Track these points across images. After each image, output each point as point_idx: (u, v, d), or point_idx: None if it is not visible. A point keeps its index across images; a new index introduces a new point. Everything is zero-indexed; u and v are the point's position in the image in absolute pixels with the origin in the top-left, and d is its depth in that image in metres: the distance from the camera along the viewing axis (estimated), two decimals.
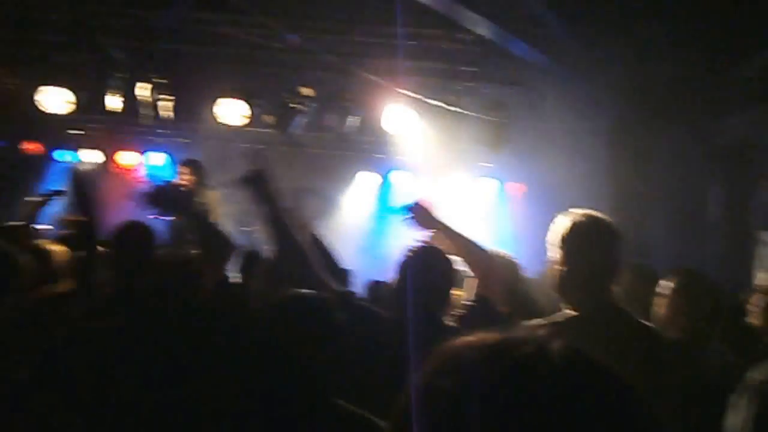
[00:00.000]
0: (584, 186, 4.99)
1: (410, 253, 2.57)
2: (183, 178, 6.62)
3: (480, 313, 2.57)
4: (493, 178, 8.62)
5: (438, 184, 8.76)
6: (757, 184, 5.69)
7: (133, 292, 2.68)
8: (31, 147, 8.14)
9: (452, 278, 2.56)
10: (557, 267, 2.13)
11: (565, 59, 5.68)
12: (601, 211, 2.21)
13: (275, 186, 2.76)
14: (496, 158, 7.68)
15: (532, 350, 0.62)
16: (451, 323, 2.48)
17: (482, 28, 5.63)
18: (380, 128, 7.17)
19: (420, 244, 2.66)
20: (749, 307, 2.51)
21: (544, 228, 2.24)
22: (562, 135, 5.93)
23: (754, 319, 2.45)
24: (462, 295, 2.81)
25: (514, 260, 3.12)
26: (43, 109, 6.44)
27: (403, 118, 6.94)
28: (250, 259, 4.59)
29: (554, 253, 2.15)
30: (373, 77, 6.82)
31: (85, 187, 2.70)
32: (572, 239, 2.12)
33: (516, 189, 8.46)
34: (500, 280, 2.82)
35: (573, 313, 2.10)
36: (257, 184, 2.74)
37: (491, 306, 2.60)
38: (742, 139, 5.80)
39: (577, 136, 5.78)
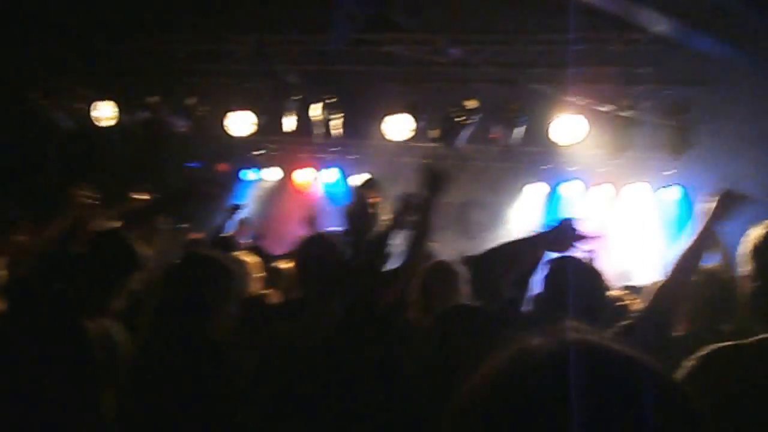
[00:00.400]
0: None
1: (555, 266, 2.51)
2: (367, 198, 6.88)
3: (646, 325, 2.35)
4: (675, 186, 7.96)
5: (614, 195, 8.26)
6: None
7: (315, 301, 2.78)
8: (221, 167, 8.94)
9: (601, 288, 2.49)
10: (749, 282, 1.89)
11: (761, 51, 5.05)
12: None
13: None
14: (679, 165, 7.04)
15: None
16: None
17: (659, 25, 5.19)
18: (548, 138, 6.90)
19: (563, 255, 2.56)
20: None
21: (736, 240, 2.01)
22: (760, 136, 5.26)
23: None
24: (635, 303, 2.64)
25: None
26: (230, 133, 7.04)
27: (572, 126, 6.62)
28: None
29: (746, 267, 1.91)
30: (539, 86, 6.59)
31: (362, 205, 2.96)
32: (765, 251, 1.86)
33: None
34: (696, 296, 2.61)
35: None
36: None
37: (659, 318, 2.36)
38: None
39: None
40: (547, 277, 2.52)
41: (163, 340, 2.31)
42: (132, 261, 2.40)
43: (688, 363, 1.76)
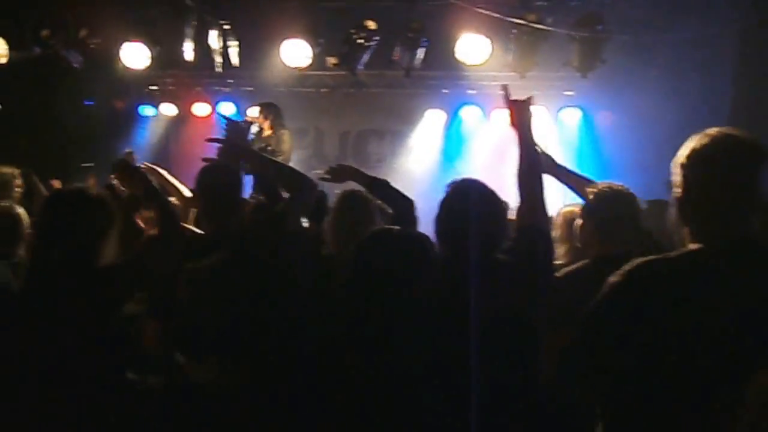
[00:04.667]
0: (703, 106, 4.39)
1: (450, 189, 2.43)
2: (257, 119, 6.55)
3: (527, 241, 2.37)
4: (577, 107, 8.03)
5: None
6: None
7: (224, 235, 2.77)
8: (116, 104, 8.30)
9: (498, 210, 2.40)
10: (680, 194, 1.80)
11: None
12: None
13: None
14: (583, 85, 7.06)
15: None
16: (502, 256, 2.34)
17: None
18: (450, 60, 6.65)
19: (461, 178, 2.48)
20: None
21: (642, 159, 2.01)
22: (673, 47, 5.24)
23: None
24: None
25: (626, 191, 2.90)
26: (125, 66, 6.49)
27: (476, 45, 6.33)
28: (320, 203, 4.53)
29: (677, 178, 1.80)
30: (441, 2, 6.23)
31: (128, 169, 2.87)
32: (699, 161, 1.75)
33: (607, 117, 7.74)
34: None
35: (695, 247, 1.76)
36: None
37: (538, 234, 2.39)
38: None
39: (693, 48, 5.10)
40: (442, 201, 2.42)
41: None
42: None
43: (613, 279, 1.74)
